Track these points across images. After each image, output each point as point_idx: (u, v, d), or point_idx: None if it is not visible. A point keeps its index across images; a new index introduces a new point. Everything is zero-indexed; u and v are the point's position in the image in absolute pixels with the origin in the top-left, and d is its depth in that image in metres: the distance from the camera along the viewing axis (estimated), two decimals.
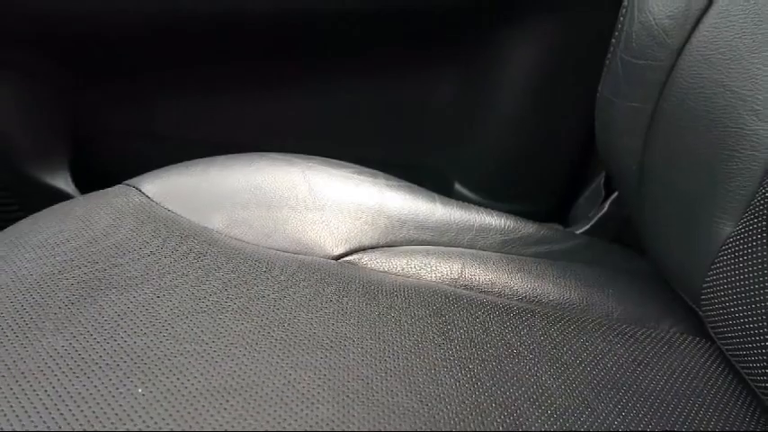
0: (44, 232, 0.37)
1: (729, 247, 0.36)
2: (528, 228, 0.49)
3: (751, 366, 0.34)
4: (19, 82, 0.56)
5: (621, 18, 0.43)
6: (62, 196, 0.58)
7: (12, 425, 0.24)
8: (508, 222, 0.48)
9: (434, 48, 0.56)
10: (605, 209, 0.51)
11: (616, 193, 0.51)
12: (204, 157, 0.48)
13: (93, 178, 0.61)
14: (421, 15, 0.52)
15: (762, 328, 0.34)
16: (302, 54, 0.56)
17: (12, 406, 0.25)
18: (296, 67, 0.56)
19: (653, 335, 0.40)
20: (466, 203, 0.49)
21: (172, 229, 0.39)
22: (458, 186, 0.63)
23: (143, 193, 0.42)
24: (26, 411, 0.25)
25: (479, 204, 0.60)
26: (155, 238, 0.38)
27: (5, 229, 0.38)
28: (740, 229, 0.36)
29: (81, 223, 0.38)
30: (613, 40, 0.43)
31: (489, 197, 0.63)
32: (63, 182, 0.59)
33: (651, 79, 0.41)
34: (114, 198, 0.41)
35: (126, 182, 0.44)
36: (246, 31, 0.52)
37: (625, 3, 0.43)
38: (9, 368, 0.27)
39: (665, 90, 0.40)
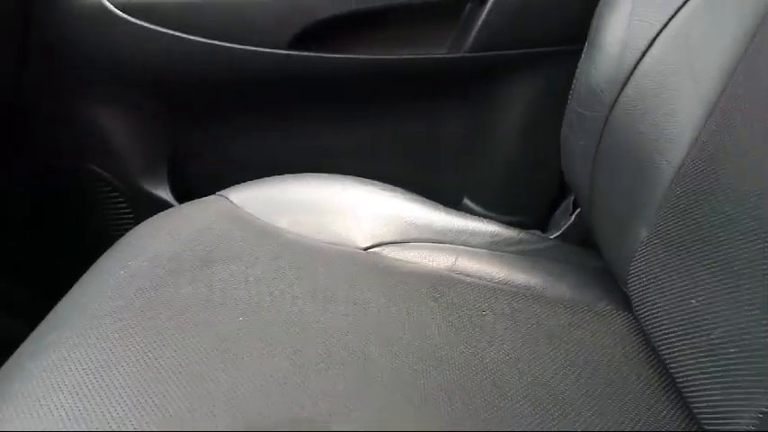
0: (169, 225, 0.55)
1: (644, 246, 0.51)
2: (511, 232, 0.64)
3: (655, 334, 0.49)
4: (134, 117, 0.76)
5: (575, 80, 0.59)
6: (163, 203, 0.77)
7: (171, 336, 0.42)
8: (495, 228, 0.64)
9: (445, 91, 0.73)
10: (572, 219, 0.66)
11: (580, 208, 0.66)
12: (269, 174, 0.66)
13: (184, 189, 0.80)
14: (434, 78, 0.70)
15: (660, 306, 0.48)
16: (345, 99, 0.73)
17: (168, 327, 0.43)
18: (340, 108, 0.74)
19: (591, 309, 0.55)
20: (464, 213, 0.65)
21: (252, 226, 0.56)
22: (465, 200, 0.80)
23: (231, 201, 0.60)
24: (180, 329, 0.42)
25: (482, 215, 0.76)
26: (241, 232, 0.55)
27: (145, 222, 0.56)
28: (651, 234, 0.51)
29: (193, 220, 0.56)
30: (570, 96, 0.59)
31: (490, 209, 0.79)
32: (164, 192, 0.77)
33: (594, 125, 0.56)
34: (212, 204, 0.59)
35: (218, 193, 0.62)
36: (302, 85, 0.71)
37: (578, 70, 0.58)
38: (164, 304, 0.44)
39: (604, 133, 0.56)
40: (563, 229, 0.67)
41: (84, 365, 0.39)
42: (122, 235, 0.72)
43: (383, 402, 0.40)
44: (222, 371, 0.40)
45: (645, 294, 0.50)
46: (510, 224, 0.67)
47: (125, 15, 0.66)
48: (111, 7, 0.66)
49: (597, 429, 0.41)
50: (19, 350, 0.44)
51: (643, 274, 0.51)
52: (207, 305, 0.45)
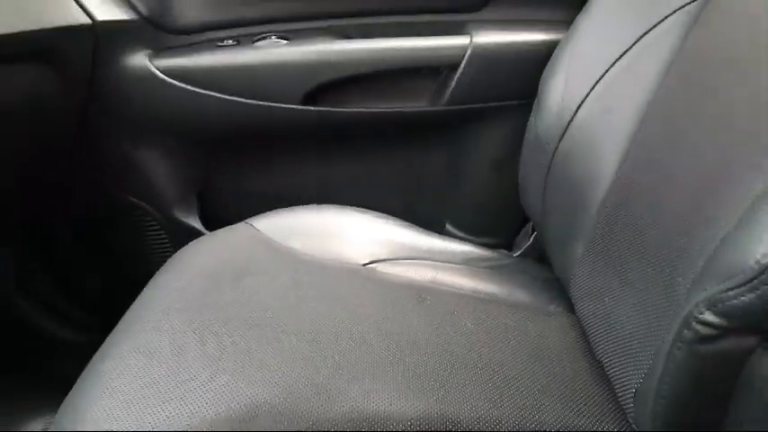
0: (210, 247, 0.70)
1: (579, 261, 0.66)
2: (482, 251, 0.79)
3: (587, 328, 0.63)
4: (171, 159, 0.91)
5: (527, 131, 0.74)
6: (194, 231, 0.92)
7: (220, 327, 0.56)
8: (470, 248, 0.79)
9: (428, 136, 0.89)
10: (530, 241, 0.81)
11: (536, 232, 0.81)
12: (283, 205, 0.81)
13: (211, 218, 0.95)
14: (418, 126, 0.86)
15: (590, 308, 0.62)
16: (345, 143, 0.89)
17: (217, 320, 0.57)
18: (341, 150, 0.90)
19: (542, 310, 0.69)
20: (444, 236, 0.80)
21: (273, 248, 0.71)
22: (447, 225, 0.95)
23: (255, 228, 0.75)
24: (226, 322, 0.57)
25: (460, 237, 0.91)
26: (265, 252, 0.70)
27: (190, 244, 0.71)
28: (583, 252, 0.65)
29: (227, 243, 0.71)
30: (524, 143, 0.75)
31: (467, 233, 0.94)
32: (194, 221, 0.93)
33: (541, 167, 0.71)
34: (240, 230, 0.74)
35: (245, 221, 0.77)
36: (310, 133, 0.87)
37: (528, 122, 0.74)
38: (213, 305, 0.59)
39: (548, 173, 0.71)
40: (524, 248, 0.82)
41: (159, 345, 0.54)
42: (160, 256, 0.87)
43: (378, 374, 0.54)
44: (259, 351, 0.54)
45: (580, 298, 0.65)
46: (483, 245, 0.82)
47: (168, 78, 0.82)
48: (157, 72, 0.82)
49: (533, 396, 0.56)
50: (108, 339, 0.58)
51: (579, 282, 0.66)
52: (243, 306, 0.60)
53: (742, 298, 0.31)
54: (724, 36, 0.57)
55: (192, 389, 0.50)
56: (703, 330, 0.33)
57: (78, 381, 0.55)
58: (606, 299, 0.58)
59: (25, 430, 0.85)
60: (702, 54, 0.56)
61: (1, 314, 0.97)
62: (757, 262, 0.30)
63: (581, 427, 0.52)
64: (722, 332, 0.33)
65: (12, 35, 0.64)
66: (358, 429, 0.50)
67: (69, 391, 0.58)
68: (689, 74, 0.56)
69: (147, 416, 0.48)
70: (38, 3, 0.71)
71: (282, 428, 0.49)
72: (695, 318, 0.33)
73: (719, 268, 0.33)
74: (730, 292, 0.32)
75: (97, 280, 0.98)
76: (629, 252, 0.56)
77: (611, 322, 0.56)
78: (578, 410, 0.56)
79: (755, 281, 0.30)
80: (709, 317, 0.33)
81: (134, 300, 0.66)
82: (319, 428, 0.49)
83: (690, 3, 0.60)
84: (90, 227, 0.95)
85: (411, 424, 0.51)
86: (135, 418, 0.48)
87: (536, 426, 0.51)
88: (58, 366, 0.99)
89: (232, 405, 0.49)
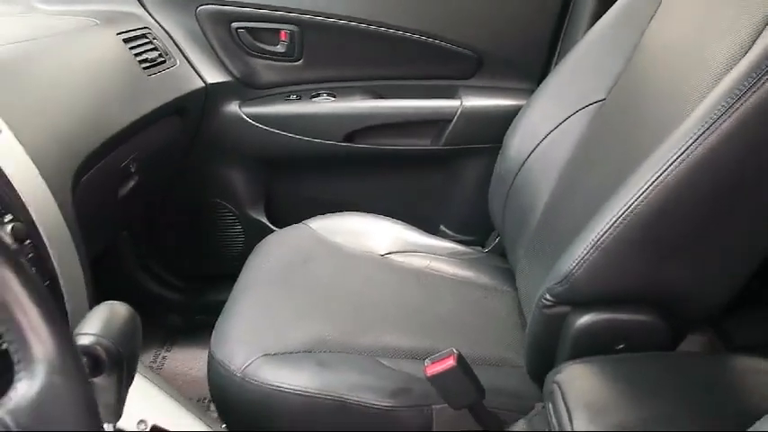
0: (280, 241, 1.08)
1: (522, 259, 1.03)
2: (462, 248, 1.16)
3: (521, 301, 1.00)
4: (247, 173, 1.29)
5: (495, 166, 1.10)
6: (261, 225, 1.30)
7: (295, 292, 0.95)
8: (453, 245, 1.16)
9: (429, 165, 1.26)
10: (496, 241, 1.18)
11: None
12: (325, 210, 1.18)
13: (275, 215, 1.33)
14: (423, 158, 1.23)
15: (521, 289, 1.00)
16: (371, 168, 1.27)
17: (293, 288, 0.96)
18: (368, 174, 1.28)
19: (499, 290, 1.06)
20: (437, 236, 1.17)
21: (324, 242, 1.08)
22: (441, 227, 1.32)
23: (310, 227, 1.12)
24: (299, 289, 0.95)
25: (450, 236, 1.29)
26: (319, 245, 1.08)
27: (267, 238, 1.09)
28: (524, 252, 1.03)
29: (292, 238, 1.08)
30: (492, 177, 1.11)
31: (455, 232, 1.31)
32: (262, 217, 1.30)
33: (501, 194, 1.08)
34: (301, 229, 1.12)
35: (303, 222, 1.14)
36: (347, 160, 1.24)
37: (496, 160, 1.10)
38: (288, 280, 0.97)
39: (507, 199, 1.07)
40: (491, 246, 1.20)
41: (261, 304, 0.92)
42: (235, 241, 1.26)
43: (391, 323, 0.92)
44: (320, 307, 0.92)
45: (519, 282, 1.02)
46: (465, 242, 1.19)
47: (251, 121, 1.20)
48: (244, 116, 1.20)
49: (480, 338, 0.93)
50: (228, 303, 0.96)
51: (519, 271, 1.03)
52: (308, 280, 0.98)
53: (559, 289, 0.68)
54: (601, 131, 0.93)
55: (285, 326, 0.88)
56: (545, 303, 0.70)
57: (216, 325, 0.93)
58: (530, 282, 0.96)
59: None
60: (590, 140, 0.93)
61: (123, 280, 1.36)
62: (563, 271, 0.67)
63: (505, 356, 0.90)
64: (552, 305, 0.70)
65: (166, 104, 1.01)
66: (380, 354, 0.88)
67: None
68: (583, 153, 0.93)
69: (263, 338, 0.86)
70: (175, 77, 1.08)
71: (336, 350, 0.87)
72: (543, 296, 0.70)
73: (555, 272, 0.70)
74: (555, 285, 0.69)
75: (191, 256, 1.37)
76: (545, 251, 0.93)
77: (530, 296, 0.94)
78: (506, 347, 0.93)
79: (563, 281, 0.68)
80: (548, 296, 0.70)
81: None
82: (356, 351, 0.87)
83: (592, 104, 0.96)
84: (187, 219, 1.34)
85: (410, 352, 0.88)
86: (257, 339, 0.86)
87: (478, 353, 0.89)
88: (160, 317, 1.39)
89: (309, 334, 0.87)
